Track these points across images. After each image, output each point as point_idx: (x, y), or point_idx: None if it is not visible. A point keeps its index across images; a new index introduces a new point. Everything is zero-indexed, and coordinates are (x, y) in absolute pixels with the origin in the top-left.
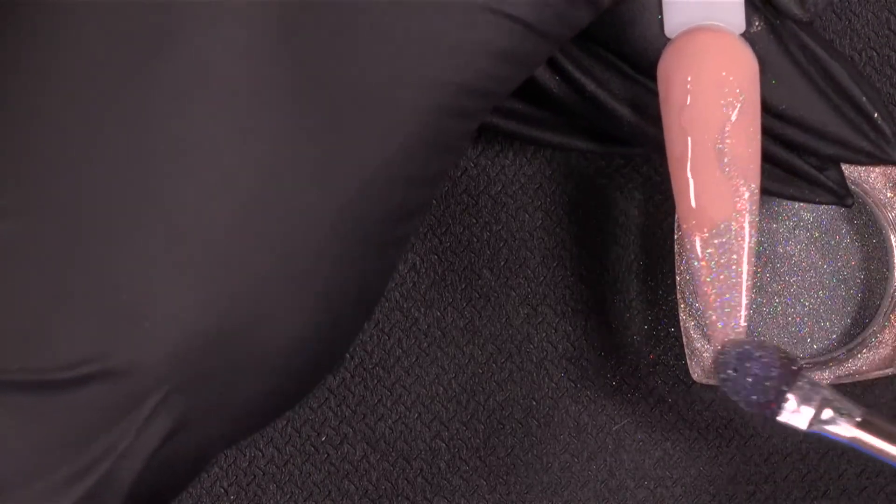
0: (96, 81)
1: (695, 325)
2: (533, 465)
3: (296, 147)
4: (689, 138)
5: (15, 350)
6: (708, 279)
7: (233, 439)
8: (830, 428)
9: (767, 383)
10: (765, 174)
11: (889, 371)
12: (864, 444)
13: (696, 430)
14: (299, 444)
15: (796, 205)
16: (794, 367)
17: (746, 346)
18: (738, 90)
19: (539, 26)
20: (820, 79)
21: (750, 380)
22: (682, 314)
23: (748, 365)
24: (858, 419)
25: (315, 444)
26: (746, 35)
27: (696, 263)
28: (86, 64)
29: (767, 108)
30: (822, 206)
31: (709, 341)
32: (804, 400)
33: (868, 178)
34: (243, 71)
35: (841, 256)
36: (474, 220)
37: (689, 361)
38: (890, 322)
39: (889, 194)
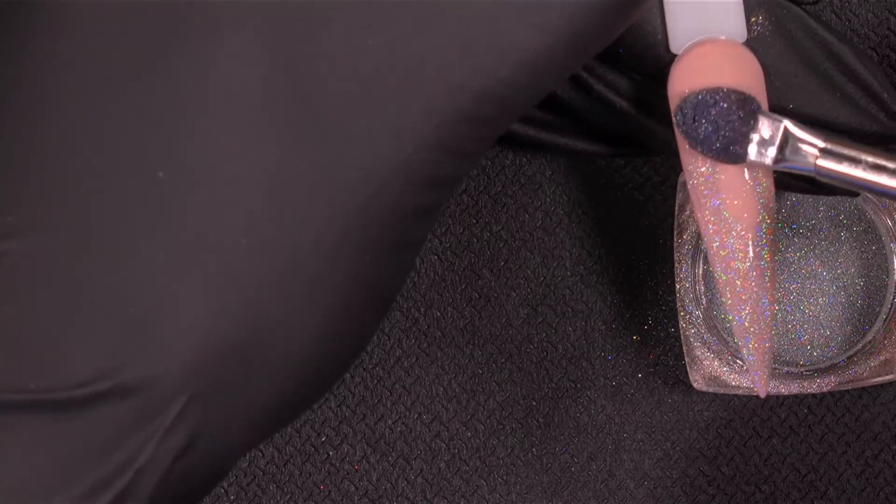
0: (98, 93)
1: (695, 332)
2: (533, 466)
3: (302, 153)
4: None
5: (30, 369)
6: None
7: (251, 444)
8: (795, 161)
9: (728, 127)
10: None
11: (889, 377)
12: (828, 170)
13: (696, 430)
14: (299, 444)
15: (795, 212)
16: (752, 107)
17: (703, 95)
18: (753, 94)
19: (569, 39)
20: (827, 63)
21: (711, 127)
22: (682, 322)
23: (707, 113)
24: (820, 146)
25: (315, 444)
26: (749, 39)
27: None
28: (87, 75)
29: (775, 109)
30: (821, 214)
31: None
32: (766, 137)
33: None
34: (247, 77)
35: (840, 263)
36: (474, 220)
37: (689, 369)
38: (889, 328)
39: (887, 201)
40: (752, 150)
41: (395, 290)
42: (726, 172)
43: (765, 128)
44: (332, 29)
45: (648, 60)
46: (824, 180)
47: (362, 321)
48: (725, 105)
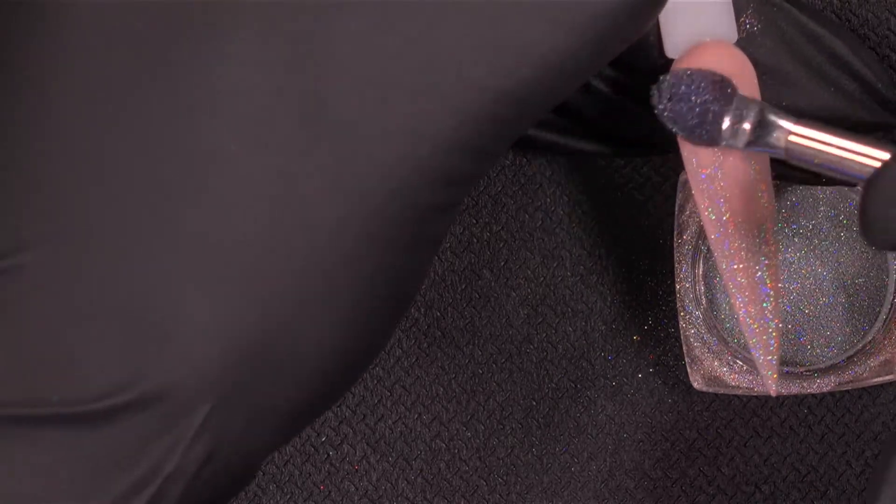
0: (101, 96)
1: (694, 332)
2: (533, 466)
3: (314, 154)
4: (719, 154)
5: (49, 382)
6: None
7: (275, 445)
8: (766, 142)
9: (702, 106)
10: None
11: (889, 377)
12: (798, 153)
13: (696, 430)
14: (299, 445)
15: (795, 212)
16: (727, 88)
17: (679, 74)
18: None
19: (591, 39)
20: (820, 58)
21: (685, 105)
22: (682, 322)
23: (682, 91)
24: (791, 129)
25: (315, 444)
26: (739, 39)
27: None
28: (89, 78)
29: None
30: (821, 214)
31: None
32: (739, 118)
33: None
34: (255, 80)
35: (840, 264)
36: (474, 220)
37: (689, 369)
38: (889, 329)
39: None
40: (725, 131)
41: (413, 288)
42: (728, 164)
43: (738, 109)
44: (341, 29)
45: (641, 62)
46: (794, 162)
47: (381, 320)
48: (701, 84)
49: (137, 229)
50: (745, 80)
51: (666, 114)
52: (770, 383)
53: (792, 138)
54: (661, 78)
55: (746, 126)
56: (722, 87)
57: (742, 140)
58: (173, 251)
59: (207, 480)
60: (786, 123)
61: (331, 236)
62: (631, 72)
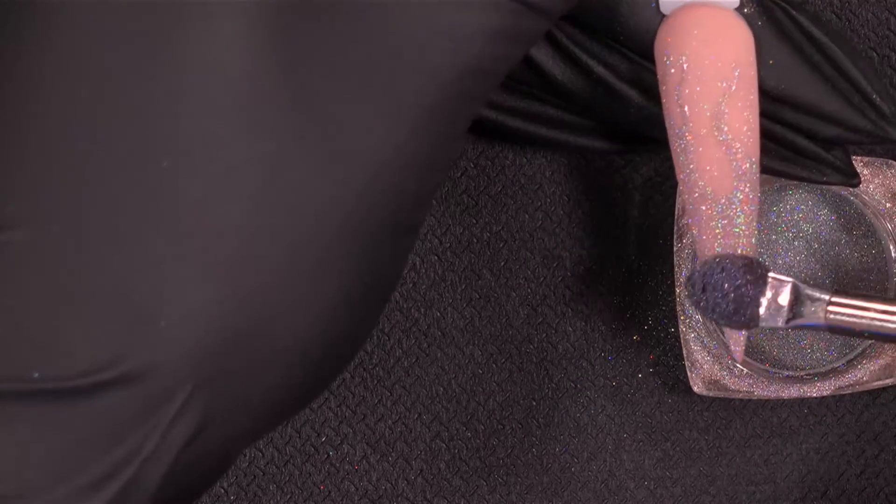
0: (94, 82)
1: (694, 336)
2: (533, 466)
3: (301, 140)
4: (687, 113)
5: (32, 359)
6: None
7: (257, 434)
8: (806, 317)
9: (738, 293)
10: (772, 155)
11: (889, 381)
12: (840, 322)
13: (696, 430)
14: (299, 445)
15: (795, 216)
16: (759, 271)
17: (709, 265)
18: (733, 64)
19: (536, 3)
20: (817, 59)
21: (720, 294)
22: (682, 325)
23: (714, 279)
24: (829, 300)
25: (315, 444)
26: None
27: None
28: (83, 65)
29: (765, 90)
30: (821, 218)
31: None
32: (776, 299)
33: (867, 189)
34: (243, 66)
35: (840, 267)
36: (474, 221)
37: (689, 373)
38: None
39: (888, 205)
40: (764, 313)
41: (396, 276)
42: (704, 145)
43: (773, 288)
44: (321, 18)
45: (643, 33)
46: (837, 332)
47: (365, 308)
48: (732, 270)
49: (126, 212)
50: (745, 50)
51: (702, 304)
52: (738, 350)
53: (831, 308)
54: (692, 269)
55: (784, 304)
56: (753, 270)
57: (782, 319)
58: (160, 234)
59: (188, 464)
60: (823, 295)
61: (316, 222)
62: (636, 52)
